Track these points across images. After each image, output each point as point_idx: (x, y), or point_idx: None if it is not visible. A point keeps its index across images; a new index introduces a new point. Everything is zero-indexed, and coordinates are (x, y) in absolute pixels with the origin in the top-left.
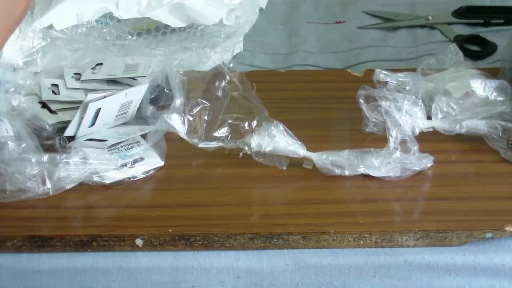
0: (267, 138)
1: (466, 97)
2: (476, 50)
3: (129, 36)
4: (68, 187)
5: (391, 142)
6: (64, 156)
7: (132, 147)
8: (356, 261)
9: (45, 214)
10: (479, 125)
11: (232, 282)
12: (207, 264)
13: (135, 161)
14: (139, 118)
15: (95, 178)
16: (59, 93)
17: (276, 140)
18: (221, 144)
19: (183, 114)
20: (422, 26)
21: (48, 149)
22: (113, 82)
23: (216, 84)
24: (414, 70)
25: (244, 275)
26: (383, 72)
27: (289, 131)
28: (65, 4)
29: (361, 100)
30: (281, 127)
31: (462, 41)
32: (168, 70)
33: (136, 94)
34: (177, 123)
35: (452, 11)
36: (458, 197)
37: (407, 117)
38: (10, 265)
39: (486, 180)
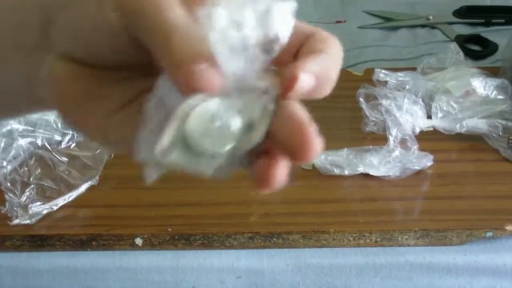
0: None
1: (466, 96)
2: (477, 50)
3: None
4: None
5: (391, 140)
6: None
7: None
8: (357, 261)
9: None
10: (479, 124)
11: (232, 282)
12: (208, 264)
13: None
14: None
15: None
16: None
17: None
18: None
19: None
20: (423, 26)
21: None
22: None
23: None
24: (414, 69)
25: (244, 275)
26: (383, 71)
27: None
28: None
29: (361, 99)
30: None
31: (463, 41)
32: None
33: None
34: None
35: (453, 11)
36: (458, 196)
37: (407, 115)
38: (10, 264)
39: (486, 179)
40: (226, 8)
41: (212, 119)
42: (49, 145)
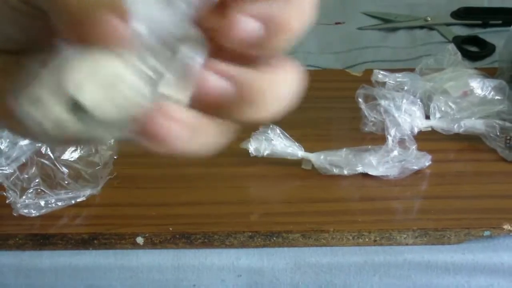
0: (264, 142)
1: (464, 96)
2: (474, 51)
3: None
4: None
5: (390, 140)
6: None
7: None
8: (356, 260)
9: (46, 212)
10: (477, 124)
11: (233, 281)
12: (208, 262)
13: None
14: None
15: None
16: None
17: (274, 143)
18: None
19: None
20: (421, 27)
21: None
22: None
23: None
24: (412, 70)
25: (245, 274)
26: (381, 72)
27: (285, 133)
28: None
29: (360, 100)
30: (278, 130)
31: (460, 42)
32: None
33: None
34: None
35: (451, 12)
36: (456, 195)
37: (406, 116)
38: (12, 263)
39: (484, 178)
40: None
41: (99, 72)
42: (52, 154)
